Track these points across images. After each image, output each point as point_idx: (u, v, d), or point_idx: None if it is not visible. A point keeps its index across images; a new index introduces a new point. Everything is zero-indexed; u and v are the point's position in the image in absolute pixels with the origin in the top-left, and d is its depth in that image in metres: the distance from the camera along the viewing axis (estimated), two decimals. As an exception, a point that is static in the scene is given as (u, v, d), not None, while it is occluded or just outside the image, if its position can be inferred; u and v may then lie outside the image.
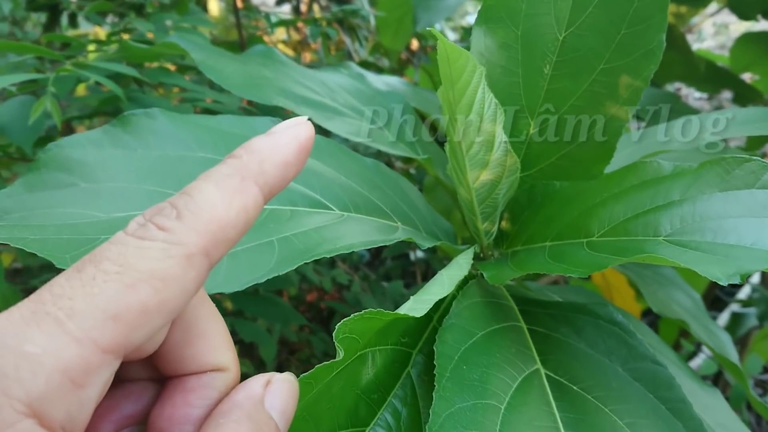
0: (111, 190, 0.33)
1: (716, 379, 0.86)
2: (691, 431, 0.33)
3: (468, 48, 0.40)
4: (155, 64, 0.70)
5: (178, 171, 0.36)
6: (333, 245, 0.34)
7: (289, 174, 0.20)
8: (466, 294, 0.37)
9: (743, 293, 0.97)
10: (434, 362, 0.31)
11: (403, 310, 0.29)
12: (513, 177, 0.39)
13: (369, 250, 0.96)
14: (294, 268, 0.32)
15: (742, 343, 0.86)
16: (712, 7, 0.98)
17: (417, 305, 0.30)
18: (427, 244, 0.37)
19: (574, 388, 0.34)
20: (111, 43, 0.63)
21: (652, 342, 0.48)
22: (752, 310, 0.83)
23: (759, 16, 0.89)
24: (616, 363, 0.36)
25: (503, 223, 0.43)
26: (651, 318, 0.97)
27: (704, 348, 0.91)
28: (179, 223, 0.17)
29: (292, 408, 0.20)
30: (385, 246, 1.01)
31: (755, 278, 0.96)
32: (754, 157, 0.31)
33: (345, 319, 0.27)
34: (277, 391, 0.20)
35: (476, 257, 0.43)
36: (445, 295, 0.32)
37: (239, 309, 0.85)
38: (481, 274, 0.38)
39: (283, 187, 0.20)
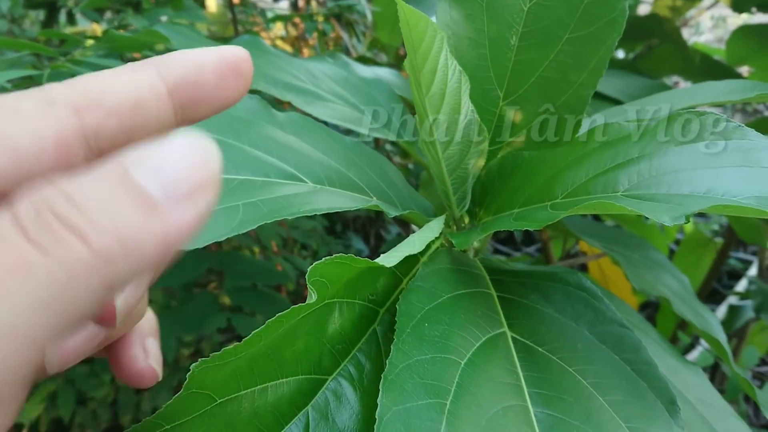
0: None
1: (713, 372, 0.85)
2: (656, 391, 0.33)
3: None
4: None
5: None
6: (297, 209, 0.35)
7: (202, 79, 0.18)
8: (434, 260, 0.37)
9: (741, 286, 0.95)
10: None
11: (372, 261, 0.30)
12: (482, 146, 0.39)
13: (368, 245, 0.97)
14: (255, 227, 0.32)
15: (739, 336, 0.85)
16: None
17: (386, 258, 0.31)
18: (394, 212, 0.38)
19: (540, 349, 0.34)
20: (100, 39, 0.65)
21: (634, 320, 0.48)
22: (749, 303, 0.82)
23: (754, 9, 0.89)
24: (583, 327, 0.36)
25: (475, 196, 0.43)
26: (648, 312, 0.96)
27: (702, 341, 0.90)
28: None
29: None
30: (384, 241, 1.01)
31: (753, 271, 0.95)
32: (709, 111, 0.31)
33: (317, 262, 0.28)
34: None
35: (449, 228, 0.43)
36: (415, 252, 0.32)
37: (237, 305, 0.86)
38: (452, 243, 0.39)
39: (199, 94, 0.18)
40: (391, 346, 0.29)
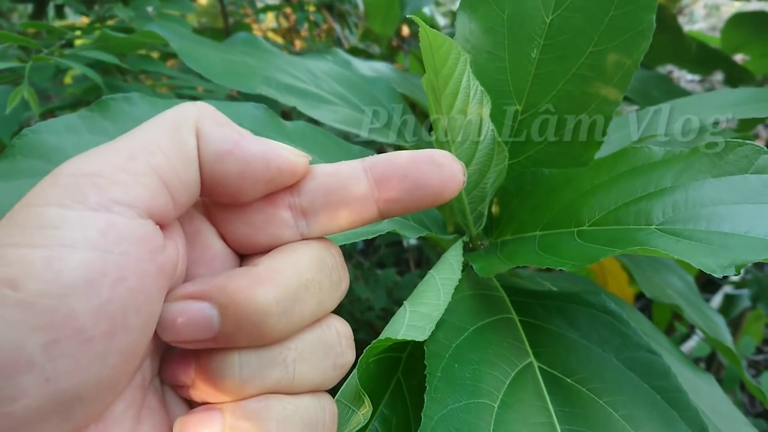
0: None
1: (710, 361, 0.86)
2: (688, 421, 0.33)
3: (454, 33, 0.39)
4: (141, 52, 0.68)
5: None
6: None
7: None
8: (455, 288, 0.36)
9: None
10: (424, 362, 0.30)
11: (402, 332, 0.27)
12: (501, 165, 0.38)
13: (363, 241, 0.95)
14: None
15: (735, 325, 0.86)
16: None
17: (419, 323, 0.29)
18: (414, 236, 0.37)
19: (568, 380, 0.34)
20: (93, 30, 0.62)
21: (646, 329, 0.48)
22: (745, 292, 0.82)
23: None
24: (610, 353, 0.35)
25: (493, 212, 0.42)
26: (644, 302, 0.97)
27: (698, 330, 0.91)
28: None
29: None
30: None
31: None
32: (747, 142, 0.30)
33: (362, 357, 0.26)
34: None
35: (465, 247, 0.42)
36: (443, 308, 0.31)
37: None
38: (471, 266, 0.37)
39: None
40: (425, 395, 0.28)
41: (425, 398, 0.28)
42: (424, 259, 0.90)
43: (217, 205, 0.23)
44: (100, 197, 0.18)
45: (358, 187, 0.23)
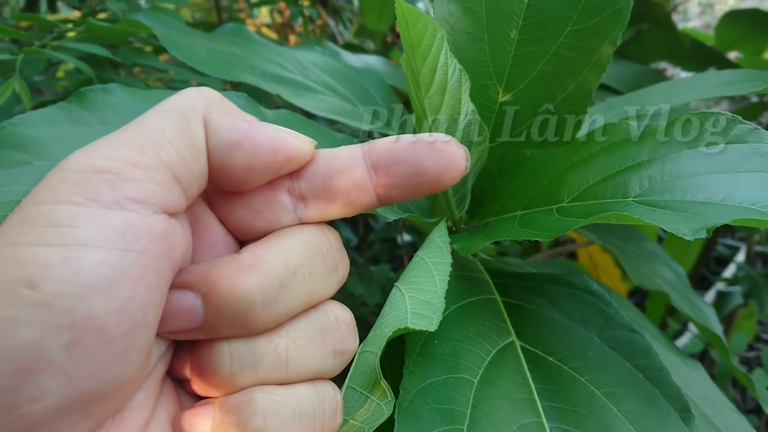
0: (65, 168, 0.32)
1: (702, 358, 0.85)
2: (669, 398, 0.32)
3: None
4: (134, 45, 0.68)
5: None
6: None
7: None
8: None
9: (729, 272, 0.96)
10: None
11: (410, 321, 0.26)
12: (483, 146, 0.38)
13: (356, 235, 0.95)
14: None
15: (727, 322, 0.85)
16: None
17: (424, 312, 0.28)
18: (393, 216, 0.36)
19: (550, 359, 0.33)
20: (84, 23, 0.62)
21: (632, 315, 0.47)
22: (737, 289, 0.82)
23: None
24: (592, 332, 0.35)
25: (475, 195, 0.41)
26: (637, 298, 0.96)
27: (690, 326, 0.90)
28: None
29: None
30: (372, 230, 1.00)
31: (740, 257, 0.95)
32: (722, 112, 0.30)
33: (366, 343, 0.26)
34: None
35: (449, 230, 0.42)
36: (442, 295, 0.30)
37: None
38: (453, 247, 0.37)
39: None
40: (403, 370, 0.28)
41: (404, 372, 0.28)
42: (418, 256, 0.90)
43: (217, 190, 0.23)
44: (113, 195, 0.18)
45: (356, 172, 0.23)
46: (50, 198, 0.17)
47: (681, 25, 1.60)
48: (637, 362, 0.33)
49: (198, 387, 0.21)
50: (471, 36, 0.38)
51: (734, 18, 0.88)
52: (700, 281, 0.92)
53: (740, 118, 0.29)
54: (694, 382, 0.44)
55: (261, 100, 0.48)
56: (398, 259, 0.97)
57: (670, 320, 0.78)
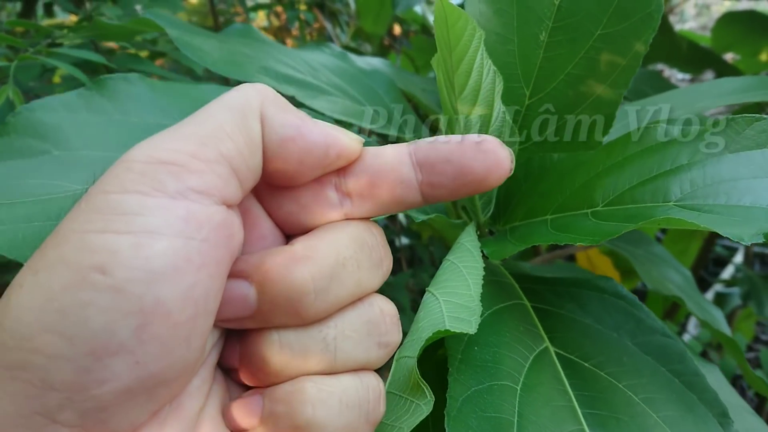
0: (87, 159, 0.30)
1: (703, 357, 0.86)
2: (707, 404, 0.32)
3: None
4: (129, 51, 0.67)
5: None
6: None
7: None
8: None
9: (727, 273, 0.97)
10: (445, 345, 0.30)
11: (448, 324, 0.26)
12: (512, 149, 0.37)
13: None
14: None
15: (726, 323, 0.86)
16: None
17: (461, 315, 0.27)
18: (421, 217, 0.36)
19: (586, 365, 0.33)
20: (81, 29, 0.60)
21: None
22: (736, 290, 0.83)
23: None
24: (625, 337, 0.35)
25: (500, 199, 0.41)
26: (637, 296, 0.97)
27: (689, 328, 0.91)
28: None
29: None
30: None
31: (739, 258, 0.97)
32: (764, 116, 0.30)
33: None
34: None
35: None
36: (477, 298, 0.29)
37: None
38: (481, 252, 0.37)
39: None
40: (448, 377, 0.27)
41: (449, 380, 0.28)
42: (416, 259, 0.89)
43: (267, 184, 0.23)
44: (177, 185, 0.18)
45: (402, 170, 0.23)
46: (117, 187, 0.18)
47: (678, 27, 1.63)
48: (673, 367, 0.33)
49: (246, 376, 0.22)
50: (500, 37, 0.38)
51: (730, 20, 0.89)
52: (699, 282, 0.93)
53: (782, 122, 0.29)
54: (712, 384, 0.44)
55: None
56: (397, 262, 0.97)
57: (669, 322, 0.79)
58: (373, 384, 0.23)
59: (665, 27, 0.82)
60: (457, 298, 0.29)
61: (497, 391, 0.28)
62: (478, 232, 0.41)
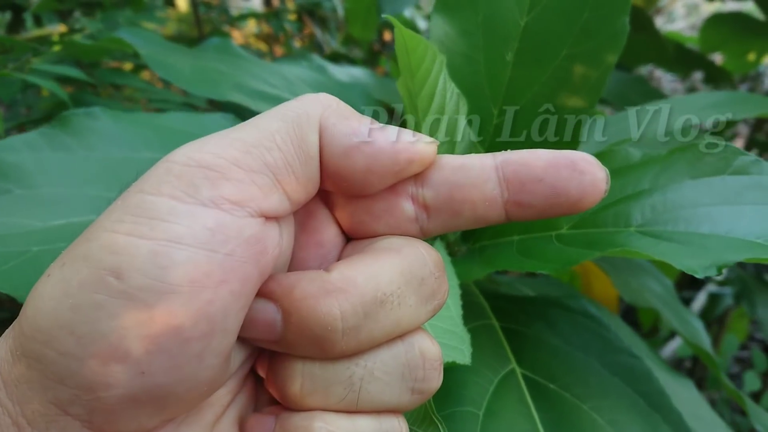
0: (49, 196, 0.31)
1: (694, 361, 0.86)
2: (671, 424, 0.32)
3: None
4: (112, 64, 0.67)
5: (123, 173, 0.34)
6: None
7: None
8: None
9: (718, 273, 0.96)
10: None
11: (445, 354, 0.26)
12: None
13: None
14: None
15: (719, 323, 0.86)
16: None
17: (451, 343, 0.26)
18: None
19: (551, 386, 0.33)
20: (60, 44, 0.60)
21: (624, 334, 0.48)
22: (728, 290, 0.83)
23: (725, -4, 0.89)
24: (593, 357, 0.35)
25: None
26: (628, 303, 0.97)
27: (680, 331, 0.91)
28: None
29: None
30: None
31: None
32: (725, 143, 0.30)
33: None
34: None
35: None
36: (460, 321, 0.29)
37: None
38: (451, 272, 0.37)
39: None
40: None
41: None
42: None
43: (340, 192, 0.22)
44: (211, 192, 0.18)
45: (487, 186, 0.21)
46: (154, 188, 0.18)
47: (667, 27, 1.62)
48: (639, 388, 0.33)
49: (271, 390, 0.21)
50: (467, 58, 0.38)
51: (718, 21, 0.89)
52: (692, 283, 0.93)
53: (742, 150, 0.29)
54: (686, 400, 0.45)
55: (248, 116, 0.47)
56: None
57: (662, 325, 0.78)
58: (395, 429, 0.21)
59: (651, 30, 0.82)
60: (440, 321, 0.29)
61: (459, 417, 0.28)
62: (448, 251, 0.41)
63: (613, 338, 0.35)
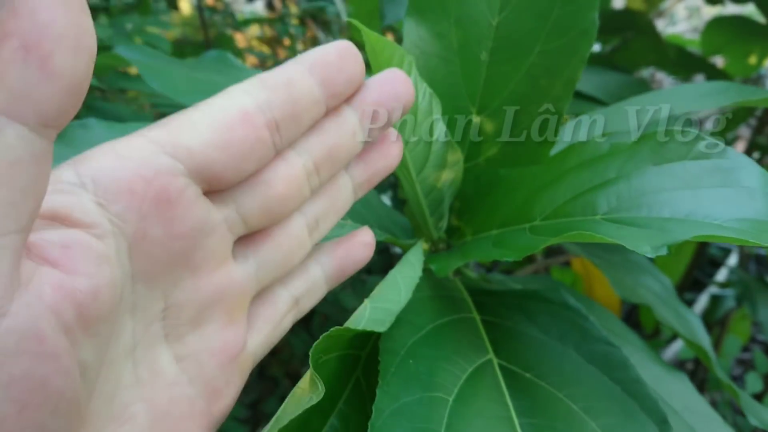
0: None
1: (697, 362, 0.85)
2: (647, 411, 0.33)
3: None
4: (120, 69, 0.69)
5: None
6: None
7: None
8: (415, 289, 0.36)
9: (721, 275, 0.96)
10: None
11: (363, 323, 0.28)
12: (457, 166, 0.38)
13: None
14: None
15: (721, 325, 0.85)
16: (681, -9, 0.98)
17: (379, 317, 0.29)
18: (377, 238, 0.37)
19: (527, 375, 0.34)
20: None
21: (616, 329, 0.48)
22: (730, 292, 0.82)
23: (726, 0, 0.89)
24: (570, 347, 0.35)
25: (453, 216, 0.42)
26: (631, 305, 0.96)
27: (687, 332, 0.90)
28: None
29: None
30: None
31: (733, 260, 0.96)
32: (688, 129, 0.30)
33: (315, 344, 0.26)
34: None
35: (429, 252, 0.42)
36: (402, 305, 0.31)
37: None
38: (431, 269, 0.38)
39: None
40: (376, 390, 0.28)
41: (377, 392, 0.28)
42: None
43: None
44: None
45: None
46: None
47: (669, 30, 1.62)
48: (615, 375, 0.34)
49: None
50: (442, 59, 0.39)
51: (720, 24, 0.89)
52: (694, 285, 0.92)
53: (703, 134, 0.30)
54: (680, 394, 0.44)
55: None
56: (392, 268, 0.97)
57: (663, 327, 0.78)
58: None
59: (651, 33, 0.82)
60: (385, 303, 0.30)
61: (427, 402, 0.29)
62: (433, 249, 0.42)
63: (591, 328, 0.35)
